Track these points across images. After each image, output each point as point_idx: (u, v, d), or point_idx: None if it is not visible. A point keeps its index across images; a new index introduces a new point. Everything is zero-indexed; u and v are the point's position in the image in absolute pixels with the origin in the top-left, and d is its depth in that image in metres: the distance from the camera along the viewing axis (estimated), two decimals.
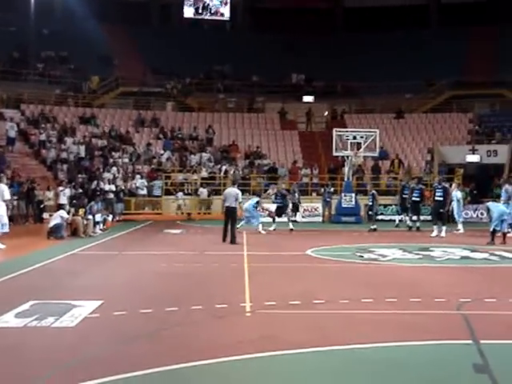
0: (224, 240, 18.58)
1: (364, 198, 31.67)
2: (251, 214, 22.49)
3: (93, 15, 41.71)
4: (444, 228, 21.80)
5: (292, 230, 23.88)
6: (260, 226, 22.86)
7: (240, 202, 19.12)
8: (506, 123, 39.80)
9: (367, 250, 16.69)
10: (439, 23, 49.67)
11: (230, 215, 18.70)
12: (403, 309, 9.03)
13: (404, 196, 24.99)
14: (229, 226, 18.70)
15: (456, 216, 23.66)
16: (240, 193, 19.38)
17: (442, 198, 21.95)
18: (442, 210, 21.89)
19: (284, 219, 25.10)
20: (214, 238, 19.30)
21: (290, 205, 26.14)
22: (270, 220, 24.87)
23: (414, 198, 24.03)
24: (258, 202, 22.93)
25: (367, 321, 8.31)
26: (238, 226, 19.90)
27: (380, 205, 27.82)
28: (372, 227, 23.91)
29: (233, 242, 18.32)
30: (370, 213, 25.35)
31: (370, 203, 25.37)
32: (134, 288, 11.05)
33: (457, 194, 23.74)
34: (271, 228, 24.05)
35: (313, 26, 47.86)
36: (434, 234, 21.74)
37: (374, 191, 25.64)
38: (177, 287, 11.10)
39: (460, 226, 23.34)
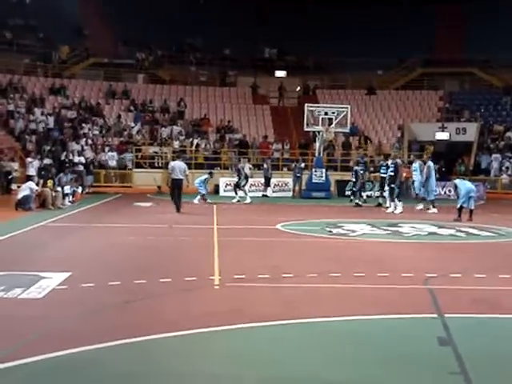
0: (178, 210, 19.46)
1: (334, 173, 31.95)
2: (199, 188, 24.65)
3: None
4: (400, 203, 21.86)
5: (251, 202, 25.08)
6: (198, 197, 24.61)
7: (187, 175, 20.11)
8: (475, 101, 40.20)
9: (336, 225, 16.80)
10: (410, 1, 49.58)
11: (177, 186, 19.68)
12: (370, 283, 9.11)
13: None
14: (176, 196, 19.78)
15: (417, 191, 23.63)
16: (186, 166, 20.51)
17: (392, 174, 22.09)
18: (392, 186, 21.94)
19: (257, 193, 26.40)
20: (184, 212, 19.31)
21: (245, 180, 26.33)
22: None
23: (390, 173, 23.73)
24: (205, 179, 24.97)
25: (334, 295, 8.40)
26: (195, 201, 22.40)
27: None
28: (358, 202, 24.55)
29: (178, 210, 19.50)
30: (354, 189, 25.59)
31: (354, 180, 25.69)
32: (103, 260, 11.01)
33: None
34: (247, 201, 25.04)
35: (286, 0, 47.44)
36: (390, 210, 21.94)
37: (356, 167, 25.88)
38: (146, 260, 11.08)
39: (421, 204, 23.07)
